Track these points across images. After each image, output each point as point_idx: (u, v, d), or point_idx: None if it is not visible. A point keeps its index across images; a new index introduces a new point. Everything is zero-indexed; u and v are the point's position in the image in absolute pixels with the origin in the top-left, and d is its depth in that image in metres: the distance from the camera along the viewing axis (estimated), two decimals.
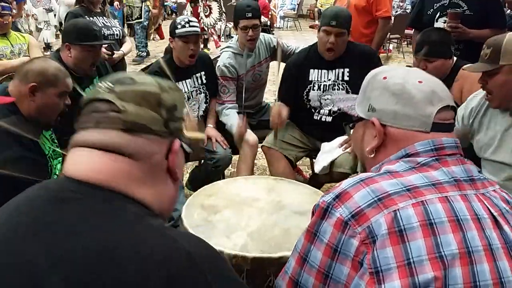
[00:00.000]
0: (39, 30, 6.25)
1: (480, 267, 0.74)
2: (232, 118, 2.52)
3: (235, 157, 2.62)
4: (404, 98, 0.88)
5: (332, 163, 2.27)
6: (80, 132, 0.72)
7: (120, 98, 0.70)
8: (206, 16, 7.85)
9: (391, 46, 8.82)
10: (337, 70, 2.36)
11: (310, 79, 2.39)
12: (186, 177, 2.90)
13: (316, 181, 2.52)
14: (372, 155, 0.93)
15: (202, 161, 2.63)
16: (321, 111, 2.43)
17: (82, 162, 0.69)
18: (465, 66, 1.82)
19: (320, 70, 2.38)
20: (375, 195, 0.78)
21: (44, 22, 5.87)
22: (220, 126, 2.59)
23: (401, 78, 0.90)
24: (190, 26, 2.35)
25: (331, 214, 0.80)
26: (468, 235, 0.76)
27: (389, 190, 0.79)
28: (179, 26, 2.35)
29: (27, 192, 0.70)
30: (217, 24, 7.94)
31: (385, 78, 0.92)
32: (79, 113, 0.74)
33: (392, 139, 0.89)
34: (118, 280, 0.58)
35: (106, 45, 2.85)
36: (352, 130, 1.04)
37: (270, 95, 2.65)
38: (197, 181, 2.55)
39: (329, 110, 2.41)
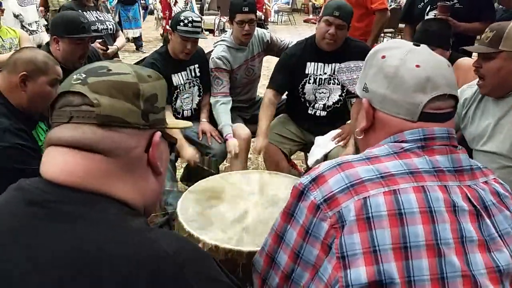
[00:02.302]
0: (29, 31, 5.42)
1: (448, 259, 0.74)
2: (224, 119, 2.50)
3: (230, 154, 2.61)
4: (395, 83, 0.84)
5: (325, 156, 2.29)
6: (53, 129, 0.69)
7: (93, 90, 0.66)
8: (173, 5, 7.98)
9: (385, 40, 8.83)
10: (334, 64, 2.36)
11: (306, 72, 2.39)
12: (180, 172, 2.90)
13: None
14: (362, 136, 0.91)
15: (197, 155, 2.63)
16: (315, 105, 2.43)
17: (56, 164, 0.66)
18: (465, 47, 1.81)
19: (316, 64, 2.38)
20: (348, 181, 0.78)
21: (35, 22, 5.05)
22: (214, 120, 2.58)
23: (399, 59, 0.85)
24: (192, 26, 2.32)
25: (306, 196, 0.81)
26: (439, 227, 0.75)
27: (363, 176, 0.78)
28: (181, 24, 2.31)
29: (4, 196, 0.67)
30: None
31: (383, 57, 0.88)
32: (52, 107, 0.70)
33: (381, 123, 0.88)
34: (98, 284, 0.57)
35: (101, 40, 2.83)
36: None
37: (263, 89, 2.65)
38: (192, 176, 2.54)
39: (324, 105, 2.41)
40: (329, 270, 0.76)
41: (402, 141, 0.83)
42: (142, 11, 8.08)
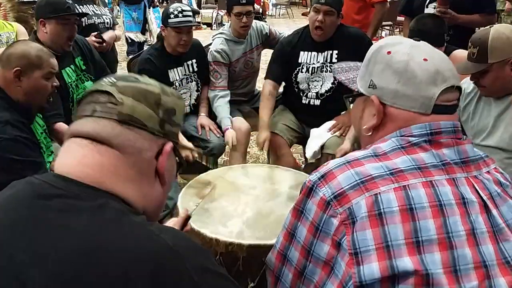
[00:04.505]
0: None
1: (461, 252, 0.75)
2: (223, 112, 2.49)
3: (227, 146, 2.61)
4: (406, 77, 0.85)
5: (322, 147, 2.30)
6: (76, 121, 0.73)
7: (120, 91, 0.72)
8: None
9: (383, 33, 8.81)
10: (327, 52, 2.36)
11: (299, 61, 2.40)
12: None
13: (310, 169, 2.52)
14: (370, 134, 0.91)
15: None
16: (309, 94, 2.43)
17: (72, 155, 0.70)
18: (456, 67, 1.81)
19: (310, 53, 2.38)
20: (358, 178, 0.79)
21: None
22: (213, 114, 2.57)
23: (406, 54, 0.86)
24: (183, 16, 2.32)
25: (315, 193, 0.82)
26: (450, 220, 0.76)
27: (372, 173, 0.79)
28: (171, 16, 2.31)
29: (13, 188, 0.70)
30: None
31: (389, 53, 0.88)
32: (79, 103, 0.75)
33: (391, 119, 0.87)
34: (101, 276, 0.58)
35: (95, 33, 2.82)
36: (351, 105, 1.00)
37: (262, 83, 2.65)
38: (191, 170, 2.53)
39: (316, 93, 2.41)
40: (342, 267, 0.76)
41: (409, 135, 0.84)
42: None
